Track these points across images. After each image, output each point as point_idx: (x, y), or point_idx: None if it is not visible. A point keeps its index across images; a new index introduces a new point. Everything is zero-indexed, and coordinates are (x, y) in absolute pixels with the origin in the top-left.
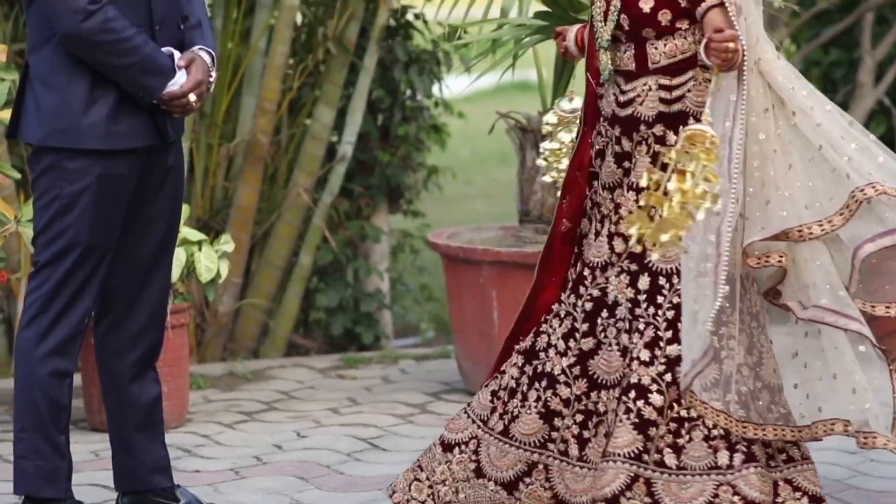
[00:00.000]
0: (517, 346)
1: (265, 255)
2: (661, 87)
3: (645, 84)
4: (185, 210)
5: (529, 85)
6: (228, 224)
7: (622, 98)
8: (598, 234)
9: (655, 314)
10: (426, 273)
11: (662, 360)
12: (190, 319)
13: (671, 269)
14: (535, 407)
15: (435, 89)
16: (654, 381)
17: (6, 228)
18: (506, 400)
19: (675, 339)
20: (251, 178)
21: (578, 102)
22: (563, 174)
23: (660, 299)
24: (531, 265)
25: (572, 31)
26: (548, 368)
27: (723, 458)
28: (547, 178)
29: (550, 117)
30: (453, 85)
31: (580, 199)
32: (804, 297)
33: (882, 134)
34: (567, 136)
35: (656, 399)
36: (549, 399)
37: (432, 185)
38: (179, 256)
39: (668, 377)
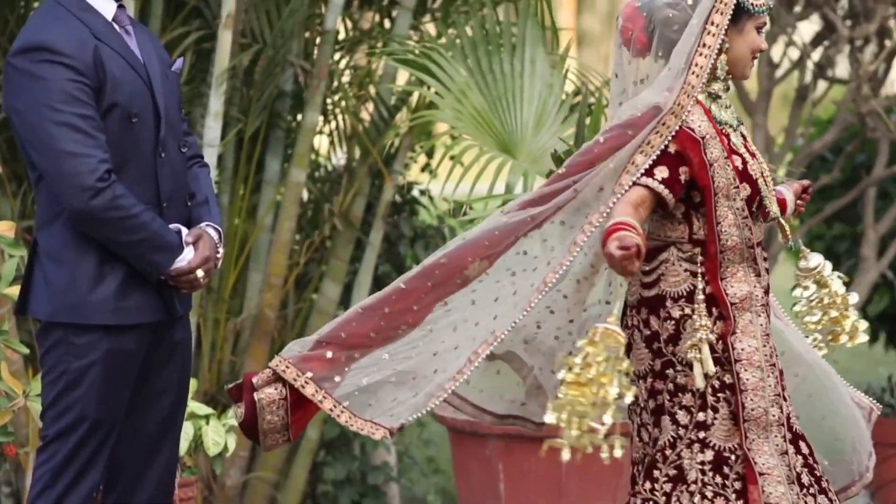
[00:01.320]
0: None
1: None
2: (640, 271)
3: None
4: (193, 384)
5: None
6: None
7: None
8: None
9: (724, 485)
10: (433, 446)
11: None
12: (198, 493)
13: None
14: None
15: None
16: None
17: (15, 403)
18: None
19: None
20: (258, 352)
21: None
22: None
23: (725, 469)
24: (537, 438)
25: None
26: None
27: None
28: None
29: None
30: None
31: None
32: None
33: (885, 307)
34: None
35: None
36: None
37: None
38: (187, 430)
39: None
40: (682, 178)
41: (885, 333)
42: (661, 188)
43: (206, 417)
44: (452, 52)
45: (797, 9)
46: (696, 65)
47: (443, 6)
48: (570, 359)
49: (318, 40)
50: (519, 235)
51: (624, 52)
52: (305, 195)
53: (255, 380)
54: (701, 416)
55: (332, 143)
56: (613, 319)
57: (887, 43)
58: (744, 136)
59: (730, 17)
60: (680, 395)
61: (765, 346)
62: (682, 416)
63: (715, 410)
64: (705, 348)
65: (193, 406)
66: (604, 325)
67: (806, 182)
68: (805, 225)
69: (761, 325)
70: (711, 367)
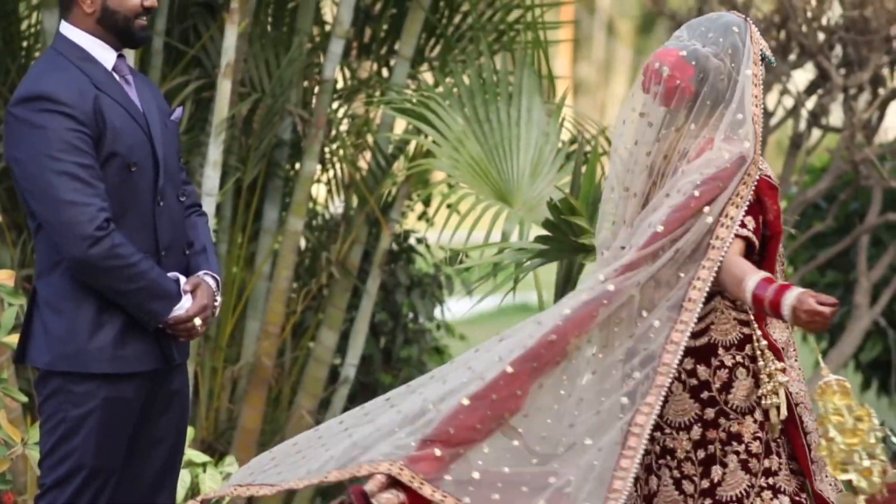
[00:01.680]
0: None
1: None
2: None
3: None
4: (190, 432)
5: (530, 307)
6: (233, 446)
7: None
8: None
9: None
10: None
11: None
12: None
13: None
14: None
15: (437, 312)
16: None
17: (13, 451)
18: None
19: None
20: (255, 400)
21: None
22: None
23: None
24: None
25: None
26: None
27: None
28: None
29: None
30: (455, 308)
31: None
32: None
33: (878, 355)
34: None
35: None
36: None
37: None
38: (184, 478)
39: None
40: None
41: (878, 380)
42: (754, 239)
43: (204, 465)
44: (450, 100)
45: (792, 57)
46: (756, 115)
47: (440, 55)
48: (831, 416)
49: (316, 89)
50: (624, 302)
51: (650, 100)
52: (303, 243)
53: (367, 488)
54: (767, 463)
55: (329, 191)
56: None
57: (881, 91)
58: None
59: None
60: (734, 443)
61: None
62: (742, 464)
63: (779, 456)
64: (782, 392)
65: (191, 454)
66: (835, 377)
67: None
68: (799, 272)
69: (799, 368)
70: (785, 412)
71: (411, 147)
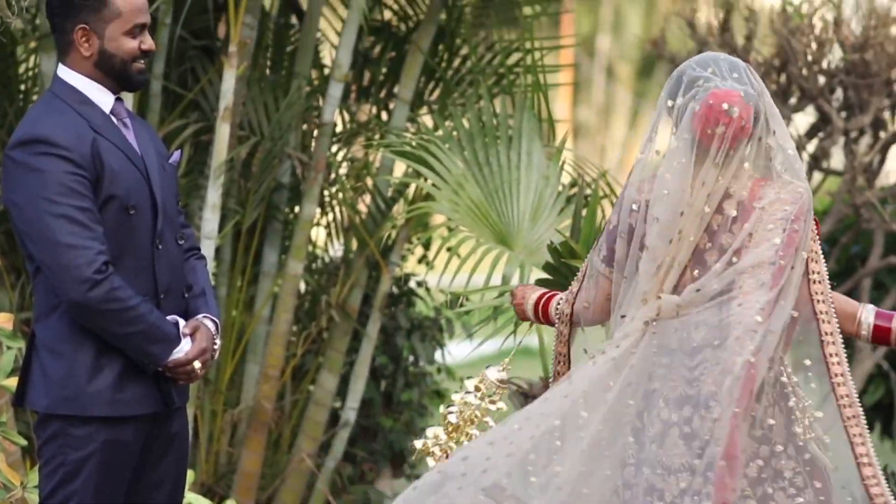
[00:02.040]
0: None
1: None
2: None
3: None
4: (190, 475)
5: (531, 350)
6: (233, 489)
7: None
8: None
9: None
10: None
11: None
12: None
13: None
14: None
15: (437, 355)
16: None
17: (12, 494)
18: None
19: None
20: (255, 443)
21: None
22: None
23: None
24: None
25: (534, 296)
26: None
27: None
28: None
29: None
30: (455, 351)
31: None
32: None
33: (881, 398)
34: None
35: None
36: None
37: None
38: None
39: None
40: None
41: (880, 424)
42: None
43: None
44: (449, 144)
45: (792, 101)
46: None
47: (440, 99)
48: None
49: (315, 133)
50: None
51: (686, 141)
52: (303, 287)
53: None
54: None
55: (329, 234)
56: None
57: (882, 134)
58: None
59: None
60: (780, 480)
61: None
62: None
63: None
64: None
65: (191, 497)
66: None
67: None
68: None
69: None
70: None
71: (411, 190)
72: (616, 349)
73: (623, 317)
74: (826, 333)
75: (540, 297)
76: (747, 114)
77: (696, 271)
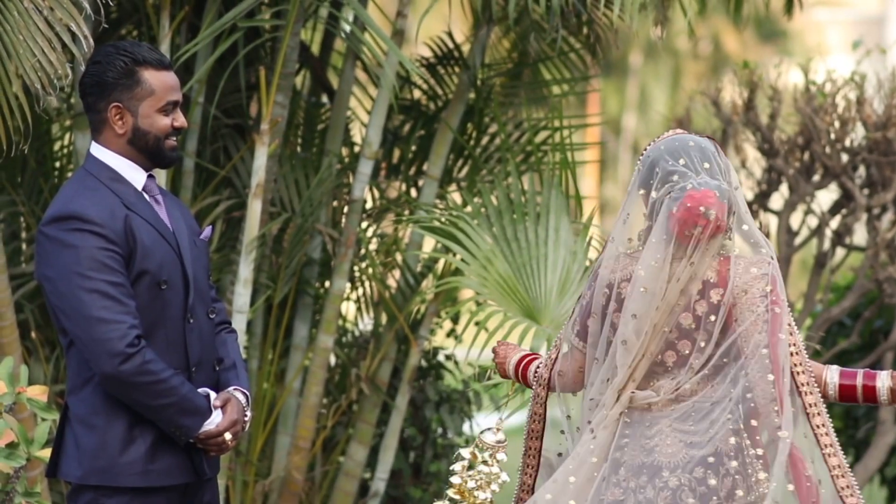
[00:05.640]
0: None
1: None
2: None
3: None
4: None
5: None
6: None
7: None
8: None
9: None
10: None
11: None
12: None
13: None
14: None
15: (466, 427)
16: None
17: None
18: None
19: None
20: None
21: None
22: None
23: None
24: None
25: (515, 357)
26: None
27: None
28: None
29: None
30: (483, 423)
31: None
32: None
33: None
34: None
35: None
36: None
37: None
38: None
39: None
40: None
41: None
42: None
43: None
44: (478, 220)
45: (816, 178)
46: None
47: (468, 175)
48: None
49: (345, 209)
50: None
51: (673, 243)
52: (333, 360)
53: None
54: None
55: (359, 308)
56: None
57: None
58: None
59: None
60: None
61: None
62: None
63: None
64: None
65: None
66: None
67: None
68: None
69: None
70: None
71: (440, 265)
72: (593, 440)
73: (591, 399)
74: (810, 405)
75: (521, 360)
76: (723, 213)
77: (668, 357)
